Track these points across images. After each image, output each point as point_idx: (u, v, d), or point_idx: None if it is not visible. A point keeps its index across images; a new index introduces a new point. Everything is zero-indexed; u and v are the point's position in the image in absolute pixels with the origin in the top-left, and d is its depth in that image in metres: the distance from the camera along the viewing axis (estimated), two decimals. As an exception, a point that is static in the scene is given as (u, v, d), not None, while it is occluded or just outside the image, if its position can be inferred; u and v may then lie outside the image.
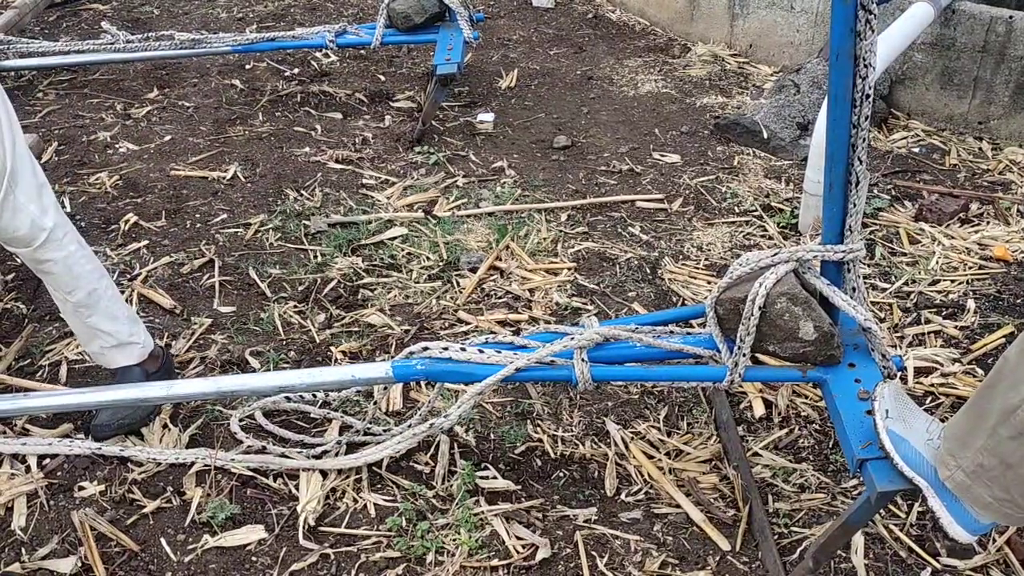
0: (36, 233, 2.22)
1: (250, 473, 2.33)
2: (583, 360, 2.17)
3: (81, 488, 2.27)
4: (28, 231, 2.21)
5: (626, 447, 2.44)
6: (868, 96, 1.78)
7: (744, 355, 2.04)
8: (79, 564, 2.07)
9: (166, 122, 4.34)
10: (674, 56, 5.17)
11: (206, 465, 2.32)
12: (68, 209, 3.53)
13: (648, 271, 3.19)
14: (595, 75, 4.92)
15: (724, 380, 2.08)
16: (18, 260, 3.15)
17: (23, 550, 2.12)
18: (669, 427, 2.52)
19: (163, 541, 2.14)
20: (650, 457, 2.41)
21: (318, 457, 2.37)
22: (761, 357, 2.22)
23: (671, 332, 2.23)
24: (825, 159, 1.87)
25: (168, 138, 4.17)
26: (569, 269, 3.19)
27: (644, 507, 2.27)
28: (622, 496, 2.31)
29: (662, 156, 4.01)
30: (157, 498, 2.25)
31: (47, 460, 2.34)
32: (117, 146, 4.08)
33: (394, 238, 3.41)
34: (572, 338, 2.19)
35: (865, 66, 1.75)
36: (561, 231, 3.43)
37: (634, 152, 4.05)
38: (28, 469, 2.31)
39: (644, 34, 5.56)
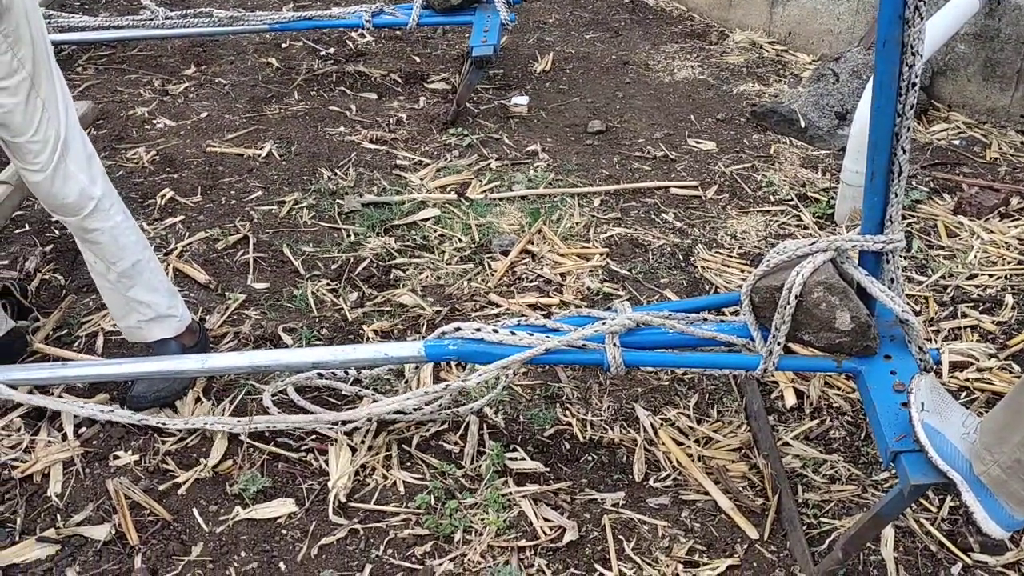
0: (85, 202, 2.25)
1: (280, 450, 2.35)
2: (615, 345, 2.16)
3: (116, 457, 2.30)
4: (77, 200, 2.24)
5: (655, 433, 2.44)
6: (914, 84, 1.75)
7: (778, 344, 2.03)
8: (113, 531, 2.10)
9: (203, 99, 4.37)
10: (711, 42, 5.12)
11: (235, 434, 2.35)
12: (106, 183, 3.57)
13: (681, 258, 3.18)
14: (631, 60, 4.89)
15: (757, 369, 2.07)
16: (56, 232, 3.20)
17: (58, 516, 2.16)
18: (699, 414, 2.51)
19: (195, 511, 2.17)
20: (679, 444, 2.41)
21: (348, 434, 2.39)
22: (794, 346, 2.20)
23: (704, 320, 2.22)
24: (868, 147, 1.84)
25: (205, 115, 4.20)
26: (601, 254, 3.19)
27: (672, 493, 2.27)
28: (650, 482, 2.30)
29: (697, 143, 3.98)
30: (190, 469, 2.28)
31: (83, 429, 2.38)
32: (155, 122, 4.12)
33: (427, 219, 3.42)
34: (604, 323, 2.18)
35: (912, 54, 1.72)
36: (594, 216, 3.42)
37: (669, 138, 4.03)
38: (64, 437, 2.35)
39: (681, 20, 5.51)
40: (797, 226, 3.36)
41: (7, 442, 2.33)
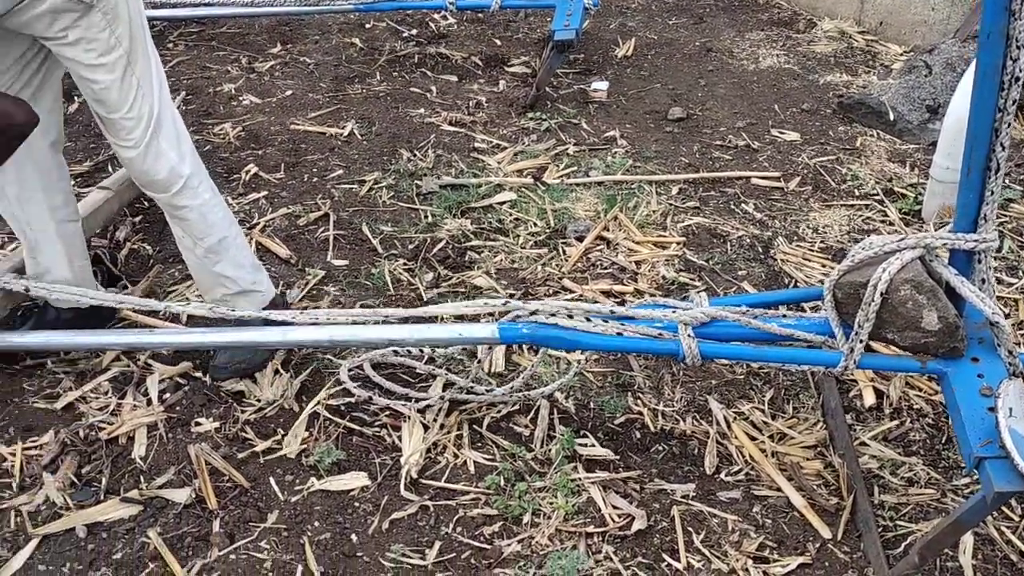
0: (174, 180, 2.32)
1: (354, 425, 2.40)
2: (690, 336, 2.14)
3: (198, 424, 2.37)
4: (167, 177, 2.30)
5: (728, 427, 2.41)
6: (1018, 79, 1.69)
7: (861, 342, 1.98)
8: (193, 495, 2.17)
9: (288, 77, 4.45)
10: (798, 31, 5.01)
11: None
12: (193, 157, 3.67)
13: (760, 250, 3.13)
14: (714, 47, 4.82)
15: (838, 366, 2.02)
16: (145, 203, 3.29)
17: (141, 478, 2.23)
18: (774, 410, 2.48)
19: (272, 480, 2.23)
20: (753, 439, 2.38)
21: (420, 411, 2.42)
22: (876, 345, 2.15)
23: (783, 315, 2.18)
24: (965, 142, 1.78)
25: (289, 93, 4.27)
26: (678, 243, 3.15)
27: (744, 488, 2.25)
28: (721, 475, 2.28)
29: (781, 133, 3.90)
30: (268, 439, 2.34)
31: (167, 394, 2.46)
32: (241, 98, 4.21)
33: (503, 203, 3.43)
34: (679, 312, 2.16)
35: (1017, 47, 1.66)
36: (672, 204, 3.39)
37: (751, 128, 3.96)
38: (149, 402, 2.43)
39: (767, 7, 5.40)
40: (882, 222, 3.27)
41: (95, 404, 2.42)
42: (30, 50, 2.26)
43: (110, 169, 3.55)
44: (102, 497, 2.17)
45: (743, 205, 3.39)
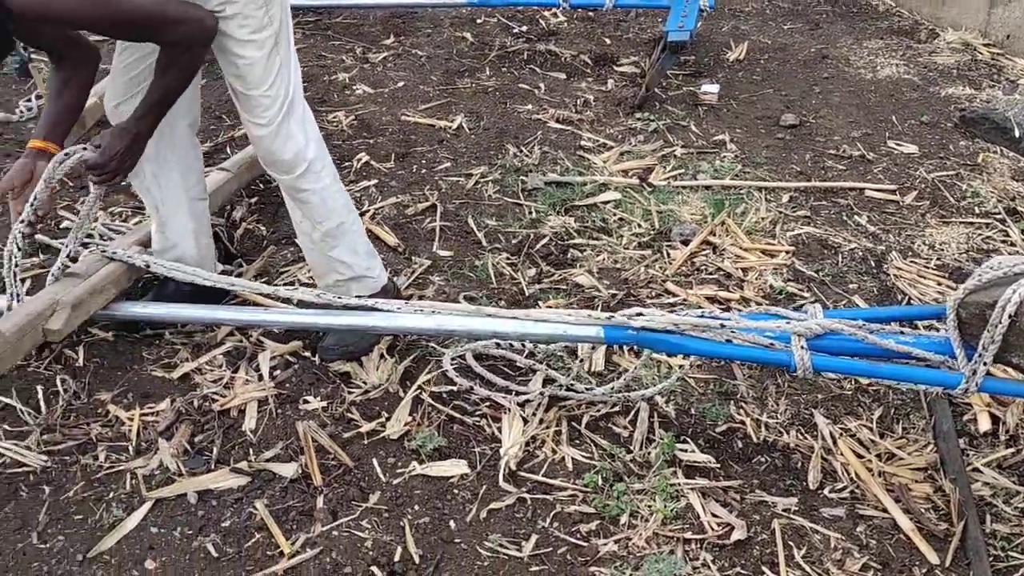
0: (299, 162, 2.38)
1: (456, 413, 2.43)
2: (803, 347, 2.10)
3: (306, 401, 2.44)
4: (292, 158, 2.37)
5: (834, 442, 2.36)
6: None
7: (984, 364, 1.92)
8: (299, 471, 2.23)
9: (400, 69, 4.53)
10: (919, 41, 4.86)
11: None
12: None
13: (873, 264, 3.04)
14: (830, 54, 4.71)
15: (958, 388, 1.96)
16: (261, 185, 3.40)
17: (251, 450, 2.31)
18: (882, 429, 2.41)
19: (375, 461, 2.28)
20: (859, 456, 2.32)
21: (520, 405, 2.44)
22: (996, 369, 2.08)
23: (900, 331, 2.12)
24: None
25: (401, 84, 4.35)
26: (787, 252, 3.09)
27: (848, 506, 2.19)
28: (825, 491, 2.23)
29: (898, 145, 3.79)
30: (372, 421, 2.39)
31: (277, 371, 2.53)
32: (354, 87, 4.30)
33: (607, 202, 3.42)
34: (792, 323, 2.13)
35: None
36: (781, 212, 3.33)
37: (867, 138, 3.85)
38: (261, 378, 2.50)
39: (888, 15, 5.26)
40: (1003, 242, 3.15)
41: (210, 376, 2.51)
42: None
43: (229, 151, 3.67)
44: (213, 466, 2.25)
45: (856, 217, 3.30)
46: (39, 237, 3.06)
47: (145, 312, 2.57)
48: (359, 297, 2.53)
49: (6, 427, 2.35)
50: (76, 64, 2.35)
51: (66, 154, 2.34)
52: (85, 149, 2.36)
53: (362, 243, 2.59)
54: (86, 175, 2.42)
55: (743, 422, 2.42)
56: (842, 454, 2.32)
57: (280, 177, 2.44)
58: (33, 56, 4.26)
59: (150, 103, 2.28)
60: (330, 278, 2.58)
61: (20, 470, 2.23)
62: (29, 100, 3.98)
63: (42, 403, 2.42)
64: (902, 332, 2.12)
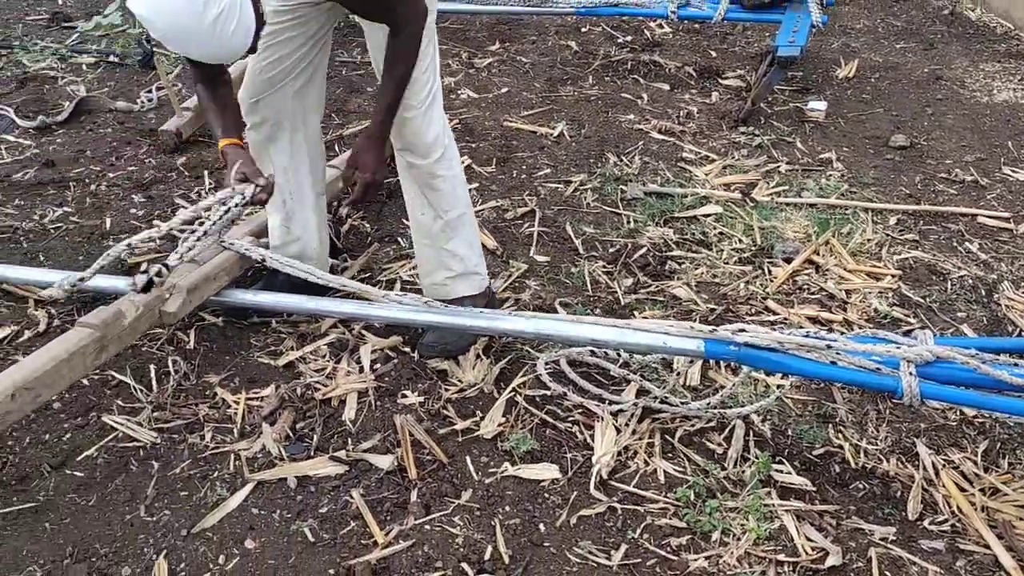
0: (438, 146, 2.50)
1: (549, 418, 2.44)
2: (911, 374, 2.05)
3: (404, 396, 2.49)
4: (432, 141, 2.48)
5: (936, 473, 2.29)
6: None
7: (1106, 403, 1.84)
8: (395, 463, 2.28)
9: (504, 75, 4.58)
10: (1040, 64, 4.68)
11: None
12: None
13: (983, 293, 2.95)
14: (944, 75, 4.57)
15: (1076, 425, 1.89)
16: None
17: (349, 440, 2.36)
18: (987, 462, 2.33)
19: (468, 460, 2.31)
20: (962, 489, 2.25)
21: (614, 414, 2.44)
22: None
23: (1015, 363, 2.05)
24: None
25: (504, 90, 4.39)
26: (893, 276, 3.02)
27: (948, 539, 2.13)
28: (925, 523, 2.17)
29: (1014, 171, 3.66)
30: (467, 419, 2.42)
31: (377, 364, 2.59)
32: (459, 92, 4.36)
33: (708, 215, 3.39)
34: (903, 348, 2.08)
35: None
36: (888, 235, 3.25)
37: (981, 163, 3.73)
38: (361, 370, 2.57)
39: (1006, 38, 5.08)
40: None
41: (313, 366, 2.58)
42: (321, 28, 2.50)
43: (337, 149, 3.76)
44: (312, 453, 2.32)
45: (967, 243, 3.20)
46: (156, 223, 3.19)
47: (256, 300, 2.66)
48: (462, 298, 2.57)
49: (119, 402, 2.46)
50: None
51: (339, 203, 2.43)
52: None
53: (476, 238, 2.67)
54: (360, 198, 2.49)
55: (841, 446, 2.38)
56: (944, 486, 2.25)
57: (419, 162, 2.51)
58: (156, 49, 4.46)
59: (388, 103, 2.36)
60: (439, 275, 2.63)
61: (131, 445, 2.34)
62: (150, 91, 4.16)
63: (154, 382, 2.53)
64: (1015, 364, 2.05)
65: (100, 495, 2.20)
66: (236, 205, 2.38)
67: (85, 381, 2.49)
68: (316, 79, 2.61)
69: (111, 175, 3.53)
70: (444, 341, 2.60)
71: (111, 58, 4.48)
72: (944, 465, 2.32)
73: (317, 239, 2.77)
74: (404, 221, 3.27)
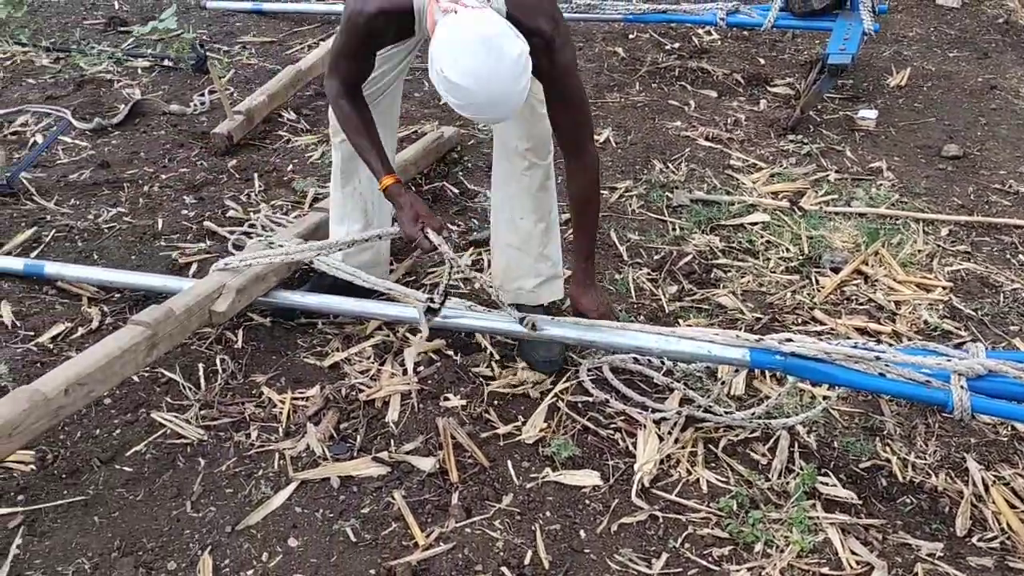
0: (550, 146, 2.54)
1: (591, 424, 2.44)
2: (962, 387, 2.01)
3: (447, 399, 2.50)
4: (546, 141, 2.53)
5: (986, 489, 2.24)
6: None
7: None
8: (437, 466, 2.29)
9: (550, 80, 4.57)
10: (1100, 74, 4.57)
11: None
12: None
13: (1038, 306, 2.89)
14: (999, 85, 4.49)
15: None
16: (411, 187, 3.50)
17: (392, 441, 2.38)
18: (1040, 480, 2.28)
19: (509, 464, 2.31)
20: (1013, 507, 2.20)
21: (656, 422, 2.42)
22: None
23: (1072, 378, 2.00)
24: None
25: (551, 95, 4.39)
26: (944, 288, 2.97)
27: (998, 557, 2.08)
28: (973, 540, 2.13)
29: (1070, 183, 3.58)
30: (508, 424, 2.43)
31: (421, 367, 2.61)
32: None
33: (755, 223, 3.36)
34: (954, 361, 2.04)
35: None
36: (939, 246, 3.19)
37: (1037, 174, 3.66)
38: (405, 372, 2.58)
39: (1064, 46, 4.97)
40: None
41: (358, 367, 2.60)
42: (417, 44, 2.57)
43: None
44: (355, 454, 2.34)
45: (1021, 256, 3.14)
46: (207, 224, 3.25)
47: (304, 301, 2.70)
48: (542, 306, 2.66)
49: (168, 400, 2.51)
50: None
51: None
52: None
53: (560, 239, 2.70)
54: None
55: (888, 460, 2.34)
56: (994, 502, 2.21)
57: (541, 162, 2.54)
58: (208, 55, 4.54)
59: (592, 248, 2.51)
60: (529, 282, 2.66)
61: (179, 441, 2.38)
62: (203, 95, 4.23)
63: (202, 380, 2.57)
64: (1072, 380, 2.00)
65: (148, 490, 2.24)
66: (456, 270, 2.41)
67: (135, 378, 2.54)
68: (400, 92, 2.71)
69: (164, 176, 3.60)
70: (552, 352, 2.60)
71: (165, 62, 4.57)
72: (994, 481, 2.27)
73: (388, 245, 2.86)
74: (449, 226, 3.29)
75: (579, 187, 2.41)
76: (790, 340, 2.21)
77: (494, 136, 2.62)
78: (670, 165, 3.77)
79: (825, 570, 2.04)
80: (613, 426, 2.44)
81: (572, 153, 2.37)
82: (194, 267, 3.04)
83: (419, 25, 2.21)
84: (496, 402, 2.50)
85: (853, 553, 2.08)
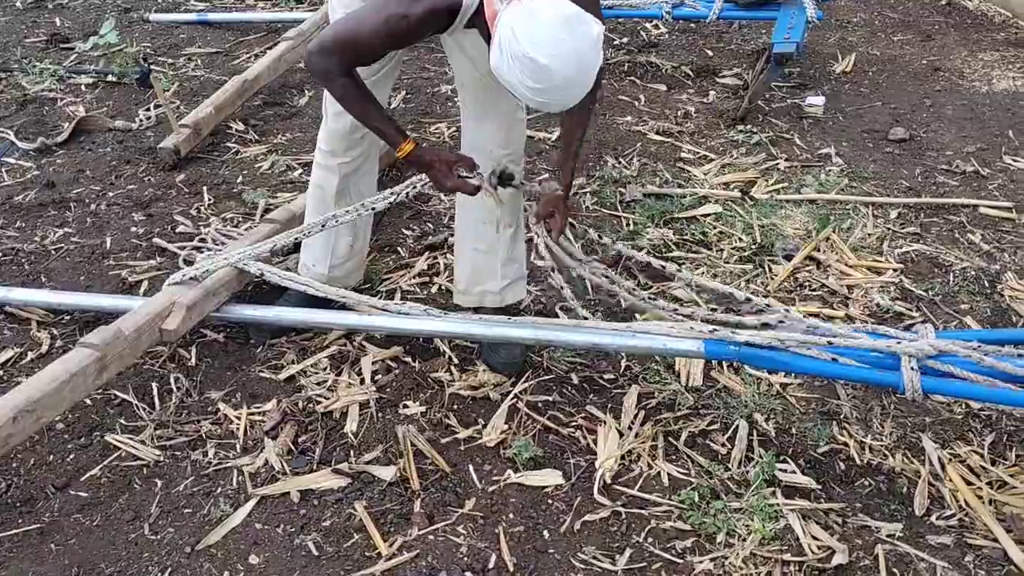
0: (522, 150, 2.56)
1: (552, 424, 2.44)
2: (912, 369, 2.04)
3: (406, 406, 2.48)
4: (522, 145, 2.57)
5: (942, 468, 2.28)
6: None
7: (1110, 392, 1.82)
8: (398, 474, 2.27)
9: (500, 80, 4.57)
10: (1040, 52, 4.66)
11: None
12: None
13: (986, 284, 2.93)
14: (943, 66, 4.55)
15: (1080, 415, 1.87)
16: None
17: (351, 452, 2.36)
18: (994, 455, 2.32)
19: (471, 468, 2.30)
20: (969, 483, 2.23)
21: (616, 417, 2.43)
22: None
23: (1019, 355, 2.04)
24: None
25: (501, 95, 4.38)
26: (895, 270, 3.00)
27: (956, 534, 2.11)
28: (932, 518, 2.16)
29: (1014, 160, 3.64)
30: (469, 427, 2.42)
31: (379, 376, 2.59)
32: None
33: (707, 215, 3.38)
34: (904, 343, 2.06)
35: None
36: (889, 229, 3.23)
37: (981, 153, 3.71)
38: (363, 381, 2.56)
39: (1004, 26, 5.05)
40: None
41: (314, 379, 2.58)
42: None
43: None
44: (315, 466, 2.31)
45: (969, 235, 3.19)
46: (156, 241, 3.21)
47: (256, 315, 2.66)
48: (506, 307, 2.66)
49: (122, 421, 2.47)
50: None
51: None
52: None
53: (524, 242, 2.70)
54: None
55: (846, 443, 2.37)
56: (951, 480, 2.24)
57: (518, 169, 2.54)
58: (153, 68, 4.48)
59: (574, 154, 2.50)
60: (493, 284, 2.64)
61: (134, 463, 2.34)
62: (148, 109, 4.17)
63: (156, 400, 2.53)
64: (1021, 355, 2.03)
65: (104, 515, 2.20)
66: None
67: (88, 401, 2.49)
68: (391, 84, 2.70)
69: (111, 194, 3.54)
70: (513, 353, 2.60)
71: (109, 78, 4.49)
72: (950, 459, 2.30)
73: (365, 261, 2.90)
74: (404, 231, 3.28)
75: (585, 112, 2.37)
76: (740, 325, 2.22)
77: (463, 140, 2.62)
78: (622, 160, 3.78)
79: (787, 556, 2.05)
80: (574, 424, 2.44)
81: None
82: (144, 285, 2.99)
83: (461, 20, 2.13)
84: (456, 406, 2.49)
85: (814, 538, 2.10)
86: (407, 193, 2.52)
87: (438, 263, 3.09)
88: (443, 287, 2.95)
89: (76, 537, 2.14)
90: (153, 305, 2.52)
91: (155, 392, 2.55)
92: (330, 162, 2.66)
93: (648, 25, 5.16)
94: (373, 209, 2.59)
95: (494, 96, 2.35)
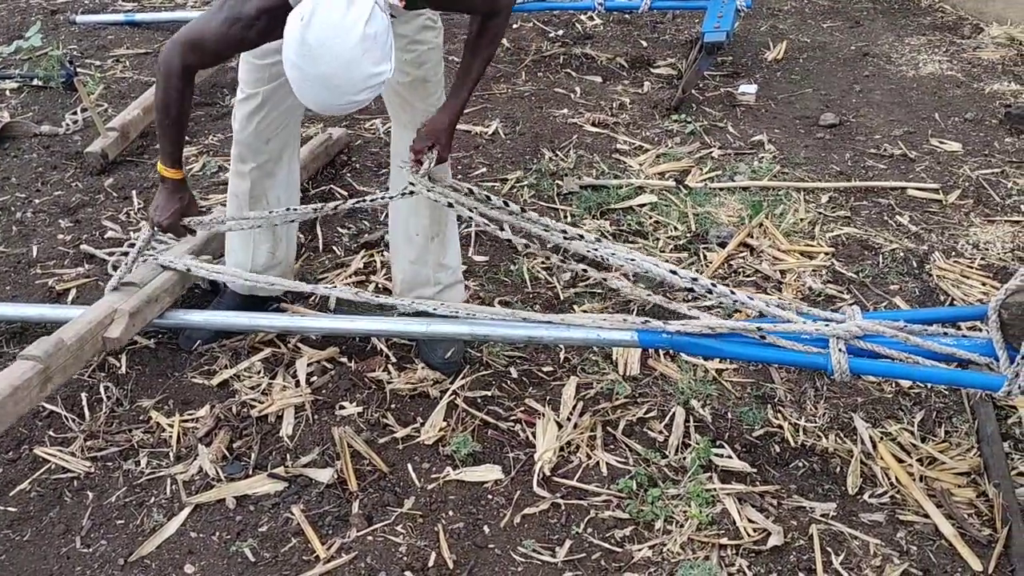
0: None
1: (490, 419, 2.43)
2: (840, 350, 2.07)
3: (342, 407, 2.46)
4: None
5: (874, 447, 2.32)
6: None
7: (1028, 366, 1.87)
8: (335, 476, 2.25)
9: (436, 75, 4.54)
10: (963, 36, 4.77)
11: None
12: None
13: (915, 265, 2.99)
14: (871, 52, 4.64)
15: (1000, 390, 1.92)
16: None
17: (288, 456, 2.33)
18: (924, 432, 2.37)
19: (409, 467, 2.29)
20: (900, 461, 2.28)
21: (555, 409, 2.43)
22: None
23: (944, 333, 2.08)
24: None
25: (437, 90, 4.36)
26: (826, 254, 3.05)
27: (888, 511, 2.16)
28: (865, 496, 2.20)
29: (941, 143, 3.72)
30: (407, 426, 2.40)
31: (315, 377, 2.56)
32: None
33: (643, 205, 3.40)
34: (832, 326, 2.09)
35: None
36: (820, 213, 3.28)
37: (909, 136, 3.79)
38: (298, 384, 2.53)
39: (930, 11, 5.16)
40: (1051, 240, 3.08)
41: (248, 383, 2.54)
42: None
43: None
44: (251, 472, 2.28)
45: (897, 217, 3.25)
46: (84, 247, 3.13)
47: (188, 319, 2.61)
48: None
49: (51, 433, 2.40)
50: None
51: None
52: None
53: (458, 245, 2.69)
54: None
55: (781, 426, 2.40)
56: (882, 458, 2.28)
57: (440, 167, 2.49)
58: (79, 71, 4.37)
59: (475, 83, 2.34)
60: (428, 290, 2.63)
61: (64, 476, 2.28)
62: (75, 114, 4.07)
63: (86, 410, 2.47)
64: (945, 334, 2.08)
65: (35, 529, 2.15)
66: None
67: (14, 414, 2.42)
68: None
69: (37, 201, 3.45)
70: (451, 351, 2.57)
71: (34, 82, 4.37)
72: (881, 438, 2.35)
73: (295, 256, 2.83)
74: (339, 229, 3.25)
75: (485, 30, 2.27)
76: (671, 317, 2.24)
77: (391, 148, 2.59)
78: (559, 153, 3.78)
79: (724, 540, 2.08)
80: (513, 418, 2.44)
81: (486, 16, 2.25)
82: (72, 293, 2.92)
83: None
84: (394, 405, 2.47)
85: (750, 521, 2.12)
86: (336, 207, 2.47)
87: (375, 261, 3.06)
88: (380, 285, 2.93)
89: (6, 553, 2.08)
90: (94, 313, 2.44)
91: (84, 402, 2.49)
92: (240, 168, 2.61)
93: (583, 17, 5.17)
94: (290, 210, 2.52)
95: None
